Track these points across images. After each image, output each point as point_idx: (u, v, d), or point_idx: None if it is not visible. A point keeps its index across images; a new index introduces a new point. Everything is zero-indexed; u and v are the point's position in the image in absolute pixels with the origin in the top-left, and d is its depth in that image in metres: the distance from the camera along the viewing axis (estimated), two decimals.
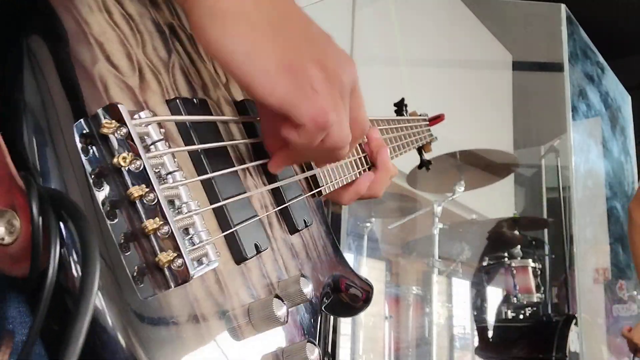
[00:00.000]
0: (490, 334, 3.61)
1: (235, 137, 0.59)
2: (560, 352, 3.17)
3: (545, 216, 4.62)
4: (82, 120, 0.42)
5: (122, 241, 0.41)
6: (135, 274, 0.41)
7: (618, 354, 4.19)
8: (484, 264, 3.80)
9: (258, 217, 0.56)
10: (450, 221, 3.86)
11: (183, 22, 0.58)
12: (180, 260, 0.42)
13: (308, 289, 0.55)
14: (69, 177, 0.41)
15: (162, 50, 0.53)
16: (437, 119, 1.43)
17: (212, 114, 0.56)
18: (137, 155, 0.42)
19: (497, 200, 4.97)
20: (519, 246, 3.79)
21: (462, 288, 4.22)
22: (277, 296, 0.50)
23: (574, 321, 3.27)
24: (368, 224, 3.82)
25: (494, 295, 3.84)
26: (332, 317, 3.19)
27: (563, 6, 3.80)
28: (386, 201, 3.92)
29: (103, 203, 0.41)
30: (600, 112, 4.76)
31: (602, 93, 4.77)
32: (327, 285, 0.68)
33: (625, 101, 5.24)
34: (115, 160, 0.41)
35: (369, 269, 3.89)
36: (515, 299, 3.59)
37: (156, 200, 0.42)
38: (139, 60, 0.50)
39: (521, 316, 3.68)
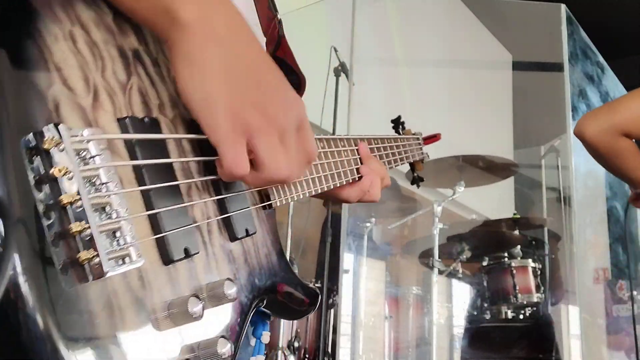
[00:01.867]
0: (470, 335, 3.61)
1: (185, 151, 0.67)
2: (560, 352, 3.17)
3: (545, 216, 4.62)
4: (30, 134, 0.50)
5: (53, 238, 0.49)
6: (61, 266, 0.49)
7: (617, 354, 4.20)
8: (484, 264, 3.80)
9: (192, 225, 0.64)
10: (450, 221, 3.86)
11: (150, 48, 0.66)
12: (97, 259, 0.50)
13: (232, 291, 0.62)
14: (12, 181, 0.49)
15: (122, 73, 0.61)
16: (432, 138, 1.46)
17: (161, 132, 0.64)
18: (71, 169, 0.50)
19: (497, 200, 4.97)
20: (519, 246, 3.78)
21: (462, 288, 4.22)
22: (195, 295, 0.58)
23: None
24: (368, 224, 3.82)
25: (495, 295, 3.84)
26: (332, 317, 3.19)
27: (563, 6, 3.80)
28: (386, 201, 3.92)
29: (40, 205, 0.50)
30: None
31: (602, 93, 4.77)
32: (263, 289, 0.74)
33: None
34: (52, 171, 0.49)
35: (369, 269, 3.90)
36: (515, 299, 3.59)
37: (82, 207, 0.50)
38: (95, 83, 0.57)
39: (521, 316, 3.68)
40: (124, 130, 0.59)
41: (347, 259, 3.50)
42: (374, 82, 4.27)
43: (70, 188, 0.49)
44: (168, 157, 0.63)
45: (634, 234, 4.68)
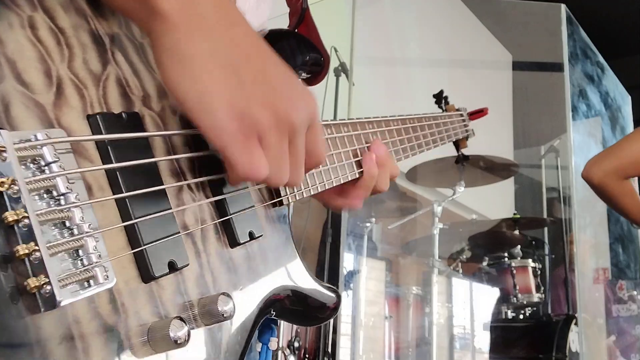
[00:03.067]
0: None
1: (176, 148, 0.57)
2: (560, 352, 3.17)
3: (545, 216, 4.62)
4: None
5: (0, 261, 0.41)
6: (8, 294, 0.41)
7: (615, 354, 4.20)
8: (484, 264, 3.80)
9: (179, 234, 0.55)
10: (450, 221, 3.86)
11: (134, 32, 0.57)
12: (49, 287, 0.42)
13: (227, 307, 0.54)
14: None
15: (96, 62, 0.52)
16: (479, 113, 1.31)
17: (143, 128, 0.55)
18: (16, 180, 0.41)
19: (497, 200, 4.97)
20: (519, 246, 3.79)
21: (462, 288, 4.21)
22: (179, 317, 0.50)
23: (574, 321, 3.28)
24: (368, 224, 3.82)
25: (494, 295, 3.84)
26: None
27: (563, 6, 3.80)
28: (386, 201, 3.92)
29: None
30: (600, 112, 4.76)
31: (602, 93, 4.78)
32: (272, 298, 0.66)
33: (625, 101, 5.24)
34: None
35: (369, 269, 3.89)
36: (515, 299, 3.59)
37: (29, 226, 0.41)
38: (59, 76, 0.49)
39: (521, 316, 3.68)
40: (95, 128, 0.50)
41: (347, 259, 3.50)
42: (374, 82, 4.27)
43: (16, 203, 0.42)
44: (152, 156, 0.54)
45: (634, 234, 4.68)
